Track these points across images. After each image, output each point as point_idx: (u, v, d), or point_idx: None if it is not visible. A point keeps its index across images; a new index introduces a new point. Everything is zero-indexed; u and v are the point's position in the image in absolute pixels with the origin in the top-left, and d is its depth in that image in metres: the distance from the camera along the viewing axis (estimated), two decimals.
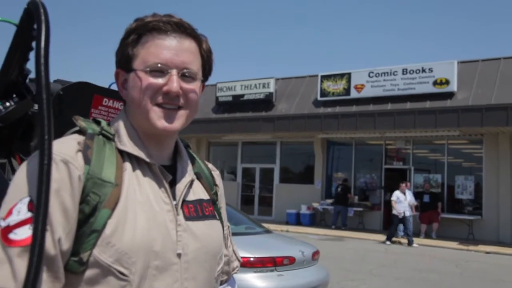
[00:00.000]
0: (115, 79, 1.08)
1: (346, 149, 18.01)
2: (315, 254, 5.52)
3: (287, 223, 17.18)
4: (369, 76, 16.85)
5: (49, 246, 0.87)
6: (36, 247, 0.79)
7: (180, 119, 1.04)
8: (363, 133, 16.21)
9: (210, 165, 1.26)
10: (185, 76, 1.03)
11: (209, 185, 1.19)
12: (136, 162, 1.03)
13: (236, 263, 1.32)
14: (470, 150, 16.13)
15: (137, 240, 0.94)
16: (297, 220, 17.34)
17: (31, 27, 0.95)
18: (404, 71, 16.20)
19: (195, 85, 1.05)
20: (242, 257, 4.89)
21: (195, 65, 1.05)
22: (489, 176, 15.03)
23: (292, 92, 18.80)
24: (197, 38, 1.07)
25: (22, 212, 0.86)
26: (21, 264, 0.83)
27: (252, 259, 4.87)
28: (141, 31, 1.03)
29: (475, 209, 15.37)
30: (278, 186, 18.86)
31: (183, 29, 1.04)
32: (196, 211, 1.08)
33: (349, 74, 17.27)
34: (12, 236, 0.85)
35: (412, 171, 16.40)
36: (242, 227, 6.04)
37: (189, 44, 1.04)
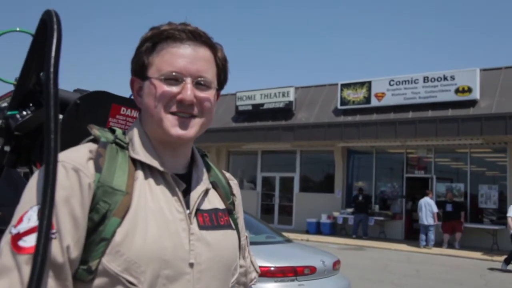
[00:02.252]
0: (130, 87, 1.08)
1: (367, 158, 17.88)
2: (336, 263, 5.51)
3: (307, 232, 17.11)
4: (389, 84, 16.75)
5: (57, 254, 0.87)
6: (39, 253, 0.80)
7: (195, 127, 1.03)
8: (383, 141, 16.09)
9: (227, 174, 1.25)
10: (199, 84, 1.02)
11: (226, 195, 1.18)
12: (149, 170, 1.02)
13: (254, 274, 1.29)
14: (494, 159, 15.85)
15: (147, 249, 0.94)
16: (317, 229, 17.25)
17: (46, 37, 0.97)
18: (426, 79, 16.06)
19: (210, 94, 1.04)
20: (262, 267, 4.89)
21: (210, 74, 1.04)
22: None
23: (312, 101, 18.80)
24: (212, 46, 1.06)
25: (32, 219, 0.87)
26: (28, 271, 0.82)
27: (272, 268, 4.89)
28: (156, 39, 1.03)
29: (499, 218, 15.05)
30: (298, 195, 18.81)
31: (198, 37, 1.04)
32: (211, 220, 1.07)
33: (370, 82, 17.20)
34: (21, 243, 0.85)
35: (434, 180, 16.19)
36: (262, 237, 6.06)
37: (204, 52, 1.04)
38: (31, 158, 1.18)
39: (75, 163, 0.93)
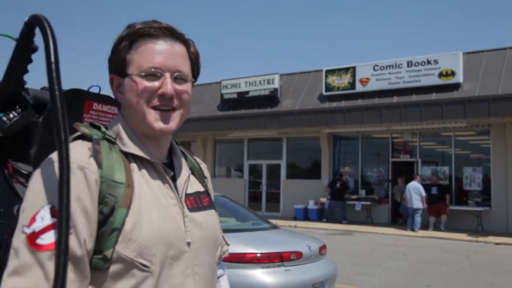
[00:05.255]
0: (110, 84, 1.13)
1: (353, 143, 17.95)
2: (322, 248, 5.51)
3: (295, 218, 17.18)
4: (374, 69, 16.78)
5: (76, 248, 0.93)
6: (61, 249, 0.86)
7: (176, 120, 1.10)
8: (369, 126, 16.15)
9: (197, 159, 1.34)
10: (177, 78, 1.09)
11: (201, 178, 1.28)
12: (140, 162, 1.09)
13: (226, 247, 1.39)
14: (478, 142, 16.02)
15: (154, 234, 1.02)
16: (305, 215, 17.33)
17: (31, 40, 1.00)
18: (409, 64, 16.11)
19: (187, 87, 1.11)
20: (248, 253, 4.85)
21: (186, 68, 1.11)
22: (497, 166, 14.93)
23: (297, 88, 18.76)
24: (185, 42, 1.12)
25: (46, 218, 0.92)
26: (52, 267, 0.89)
27: (259, 255, 4.87)
28: (133, 37, 1.08)
29: (484, 200, 15.28)
30: (285, 182, 18.85)
31: (173, 34, 1.10)
32: (196, 202, 1.17)
33: (354, 68, 17.21)
34: (39, 241, 0.91)
35: (420, 163, 16.33)
36: (248, 223, 6.04)
37: (179, 48, 1.10)
38: (4, 159, 1.19)
39: (79, 161, 0.98)
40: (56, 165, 0.91)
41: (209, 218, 1.19)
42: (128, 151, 1.08)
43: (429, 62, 15.77)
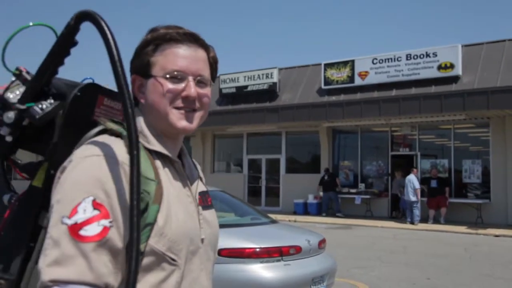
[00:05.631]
0: (131, 84, 1.17)
1: (352, 137, 17.93)
2: (322, 242, 5.49)
3: (295, 213, 17.19)
4: (372, 62, 16.73)
5: (117, 241, 0.97)
6: (134, 244, 0.91)
7: (197, 120, 1.16)
8: (368, 120, 16.12)
9: (194, 160, 1.37)
10: (199, 82, 1.14)
11: (200, 178, 1.32)
12: (162, 160, 1.13)
13: None
14: (477, 134, 16.01)
15: (181, 230, 1.08)
16: (305, 209, 17.35)
17: (75, 35, 1.03)
18: (408, 57, 16.07)
19: (208, 90, 1.17)
20: (247, 248, 4.83)
21: (207, 72, 1.17)
22: (496, 159, 14.92)
23: (295, 82, 18.71)
24: (206, 48, 1.19)
25: (88, 210, 0.95)
26: (96, 258, 0.93)
27: (258, 249, 4.85)
28: (158, 41, 1.13)
29: (483, 192, 15.29)
30: (285, 176, 18.84)
31: (197, 40, 1.16)
32: (204, 201, 1.24)
33: (353, 61, 17.16)
34: (83, 232, 0.93)
35: (419, 157, 16.32)
36: (247, 218, 6.02)
37: (201, 54, 1.16)
38: (11, 152, 1.19)
39: (120, 157, 1.02)
40: (96, 159, 0.99)
41: (213, 216, 1.27)
42: (153, 148, 1.11)
43: (428, 55, 15.73)
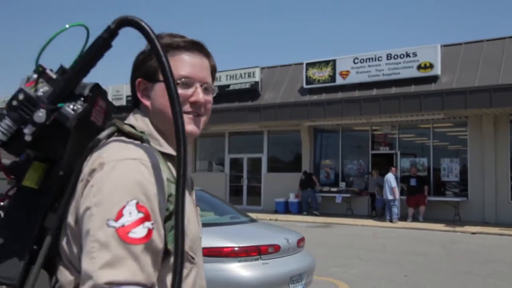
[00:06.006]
0: (136, 87, 1.21)
1: (333, 136, 18.05)
2: (300, 241, 5.52)
3: (276, 212, 17.23)
4: (354, 62, 16.86)
5: (159, 242, 1.00)
6: (179, 244, 0.95)
7: (201, 125, 1.22)
8: (349, 119, 16.24)
9: None
10: (205, 89, 1.21)
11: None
12: (171, 163, 1.15)
13: None
14: (455, 133, 16.27)
15: (196, 229, 1.16)
16: (286, 208, 17.40)
17: (114, 38, 1.05)
18: (389, 56, 16.23)
19: (211, 97, 1.24)
20: (226, 247, 4.83)
21: (210, 80, 1.23)
22: (474, 157, 15.18)
23: (277, 81, 18.74)
24: (209, 57, 1.25)
25: (133, 213, 0.97)
26: (145, 259, 0.96)
27: (236, 248, 4.85)
28: (168, 48, 1.15)
29: (462, 191, 15.55)
30: (266, 175, 18.87)
31: (203, 49, 1.22)
32: (196, 200, 1.32)
33: (334, 61, 17.27)
34: (131, 235, 0.95)
35: (399, 155, 16.50)
36: (226, 217, 6.01)
37: (206, 62, 1.22)
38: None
39: (155, 160, 1.06)
40: (132, 163, 1.01)
41: (199, 216, 1.32)
42: (166, 151, 1.15)
43: (408, 55, 15.91)
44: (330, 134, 18.17)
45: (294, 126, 17.74)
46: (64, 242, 1.06)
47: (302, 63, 18.10)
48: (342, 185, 17.27)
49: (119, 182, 0.99)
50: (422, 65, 15.65)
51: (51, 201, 1.07)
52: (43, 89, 1.06)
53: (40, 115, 1.02)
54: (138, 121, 1.19)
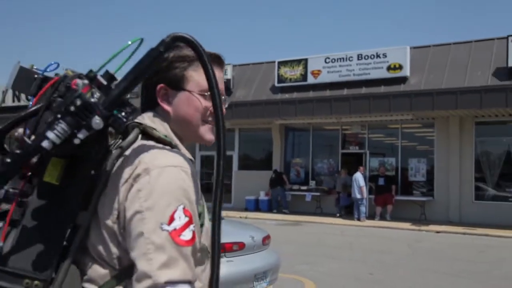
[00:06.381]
0: (157, 92, 1.25)
1: (304, 135, 18.14)
2: (266, 239, 5.51)
3: (246, 209, 17.22)
4: (325, 61, 16.97)
5: (198, 243, 1.10)
6: (216, 245, 1.13)
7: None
8: (320, 118, 16.34)
9: None
10: (223, 100, 1.27)
11: None
12: None
13: None
14: (423, 134, 16.58)
15: (207, 227, 1.21)
16: (256, 206, 17.40)
17: (167, 51, 1.13)
18: (359, 57, 16.40)
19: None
20: None
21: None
22: (440, 158, 15.51)
23: (249, 79, 18.71)
24: (223, 69, 1.34)
25: (182, 217, 1.06)
26: (192, 259, 1.06)
27: None
28: (192, 58, 1.22)
29: (428, 190, 15.86)
30: (237, 173, 18.83)
31: (222, 62, 1.31)
32: None
33: (306, 60, 17.34)
34: (182, 238, 1.05)
35: (368, 155, 16.71)
36: None
37: (222, 74, 1.31)
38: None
39: (190, 167, 1.14)
40: (174, 170, 1.09)
41: None
42: (189, 157, 1.20)
43: (378, 56, 16.12)
44: (301, 132, 18.25)
45: (266, 124, 17.75)
46: (94, 239, 1.12)
47: (274, 62, 18.12)
48: (312, 183, 17.38)
49: (167, 188, 1.08)
50: (392, 66, 15.88)
51: (81, 200, 1.12)
52: (96, 95, 1.08)
53: (97, 122, 1.06)
54: (157, 125, 1.23)
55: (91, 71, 1.11)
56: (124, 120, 1.11)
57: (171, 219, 1.05)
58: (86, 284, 1.12)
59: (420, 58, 15.91)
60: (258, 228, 5.97)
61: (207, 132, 1.27)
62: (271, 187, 17.09)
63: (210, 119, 1.26)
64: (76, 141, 1.06)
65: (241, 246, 5.08)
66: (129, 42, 1.14)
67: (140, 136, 1.18)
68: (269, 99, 17.19)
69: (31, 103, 1.21)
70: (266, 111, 16.54)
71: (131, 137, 1.16)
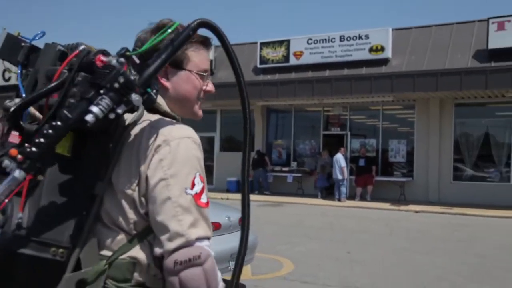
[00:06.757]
0: None
1: (286, 116, 18.12)
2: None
3: (228, 191, 17.24)
4: (307, 43, 16.88)
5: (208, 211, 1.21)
6: (246, 210, 1.31)
7: None
8: (302, 100, 16.33)
9: None
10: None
11: None
12: None
13: None
14: (404, 115, 16.70)
15: None
16: (238, 187, 17.40)
17: (193, 35, 1.23)
18: (342, 38, 16.34)
19: None
20: None
21: None
22: (420, 139, 15.67)
23: None
24: (209, 51, 1.44)
25: (199, 183, 1.20)
26: (209, 219, 1.21)
27: None
28: (193, 40, 1.32)
29: (408, 171, 16.06)
30: (219, 154, 18.79)
31: (209, 44, 1.40)
32: None
33: (288, 41, 17.23)
34: (202, 201, 1.19)
35: (349, 136, 16.80)
36: None
37: (209, 56, 1.42)
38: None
39: (197, 139, 1.25)
40: (189, 141, 1.21)
41: None
42: None
43: (360, 37, 16.08)
44: (283, 114, 18.23)
45: None
46: (108, 207, 1.19)
47: (256, 43, 17.96)
48: (294, 165, 17.44)
49: (186, 157, 1.19)
50: (374, 48, 15.88)
51: (97, 170, 1.18)
52: (133, 73, 1.14)
53: (137, 98, 1.13)
54: (159, 99, 1.29)
55: (126, 49, 1.17)
56: (155, 97, 1.19)
57: (193, 184, 1.18)
58: (101, 251, 1.19)
59: (402, 40, 15.93)
60: (234, 208, 5.96)
61: (199, 109, 1.40)
62: (253, 169, 17.10)
63: (202, 97, 1.38)
64: (112, 116, 1.11)
65: (217, 226, 5.05)
66: (169, 30, 1.20)
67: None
68: (251, 80, 17.07)
69: (19, 71, 1.27)
70: (248, 92, 16.38)
71: (140, 111, 1.22)
